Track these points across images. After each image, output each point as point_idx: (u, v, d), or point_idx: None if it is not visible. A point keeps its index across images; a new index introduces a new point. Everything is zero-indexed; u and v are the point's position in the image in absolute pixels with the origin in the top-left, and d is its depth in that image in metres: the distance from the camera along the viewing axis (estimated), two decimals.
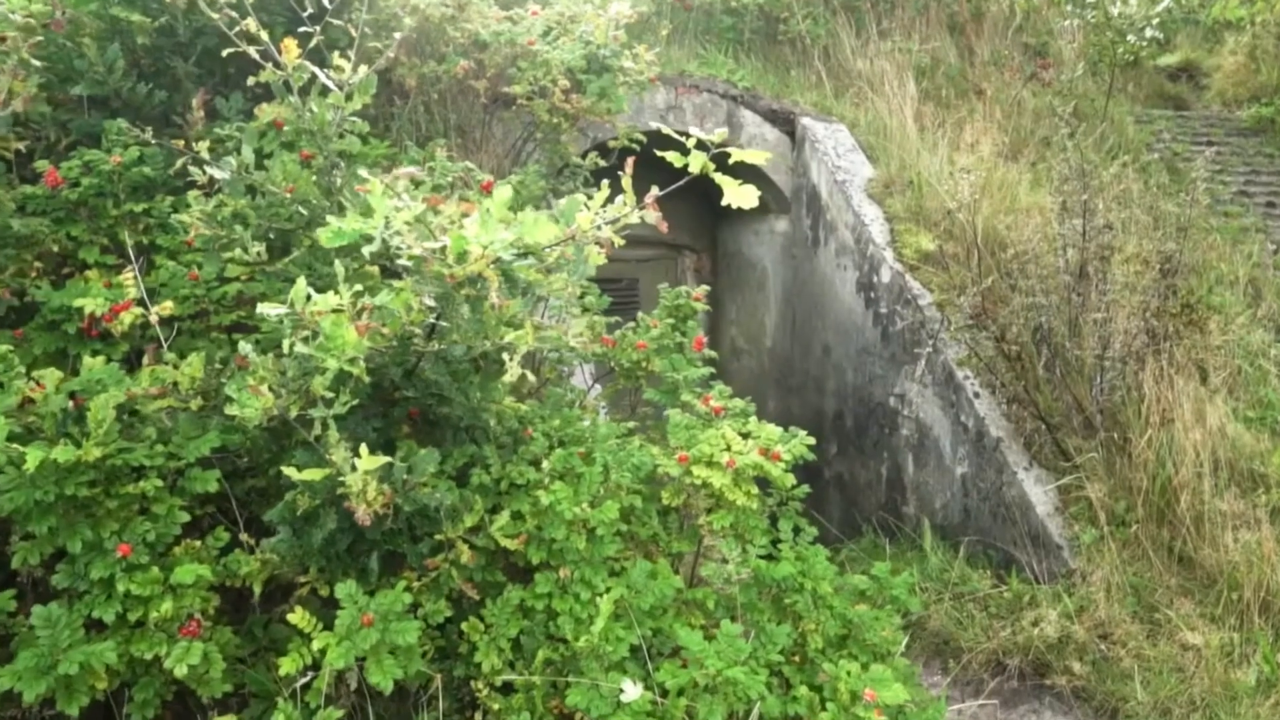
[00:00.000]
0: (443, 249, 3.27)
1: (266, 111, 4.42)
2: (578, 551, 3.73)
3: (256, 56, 4.37)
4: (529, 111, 6.67)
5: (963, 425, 6.79)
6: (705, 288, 5.39)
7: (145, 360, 3.92)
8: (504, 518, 3.68)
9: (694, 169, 3.35)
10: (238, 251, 3.97)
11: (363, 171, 3.95)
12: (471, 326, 3.43)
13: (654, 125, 8.40)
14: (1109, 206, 6.74)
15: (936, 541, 6.82)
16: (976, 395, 6.71)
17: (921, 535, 6.85)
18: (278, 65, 4.37)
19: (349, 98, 4.47)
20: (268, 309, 3.39)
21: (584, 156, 7.85)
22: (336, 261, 3.41)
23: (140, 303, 4.23)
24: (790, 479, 4.21)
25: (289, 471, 3.20)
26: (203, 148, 4.25)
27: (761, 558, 4.14)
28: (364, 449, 3.18)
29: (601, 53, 6.68)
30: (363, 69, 4.43)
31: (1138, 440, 5.93)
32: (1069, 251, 6.53)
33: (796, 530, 4.61)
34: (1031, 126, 8.68)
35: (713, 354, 5.12)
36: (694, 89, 8.47)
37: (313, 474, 3.21)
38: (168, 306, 4.23)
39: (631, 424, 4.43)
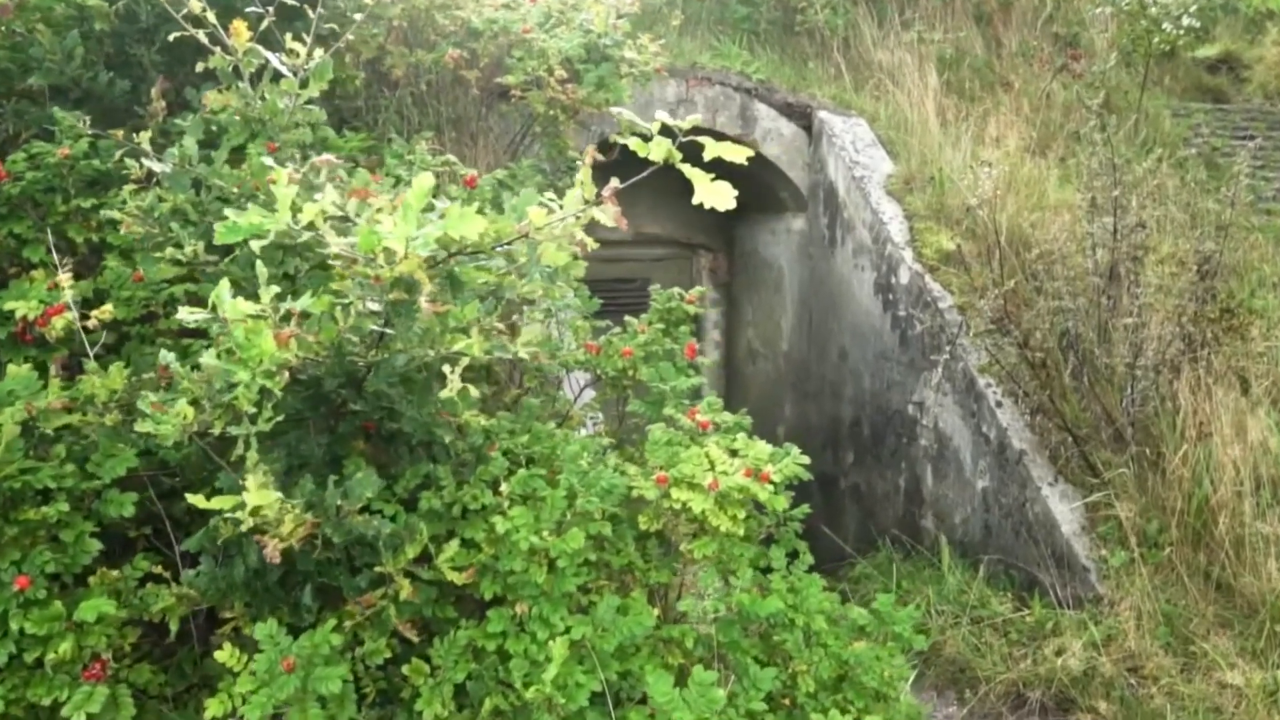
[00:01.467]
0: (384, 248, 2.85)
1: (213, 100, 4.02)
2: (536, 585, 3.29)
3: (204, 40, 3.98)
4: (528, 104, 6.25)
5: (984, 436, 6.29)
6: (701, 289, 4.95)
7: (52, 371, 3.53)
8: (452, 548, 3.25)
9: (654, 157, 2.90)
10: (170, 250, 3.57)
11: (267, 160, 3.54)
12: (409, 334, 3.01)
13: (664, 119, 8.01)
14: (1142, 203, 6.21)
15: (955, 560, 6.33)
16: (999, 404, 6.21)
17: (939, 553, 6.36)
18: (226, 50, 3.98)
19: (304, 84, 4.07)
20: (187, 314, 3.00)
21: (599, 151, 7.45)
22: (259, 262, 2.99)
23: (84, 305, 3.85)
24: (782, 502, 3.76)
25: (194, 500, 2.80)
26: (144, 138, 3.85)
27: (750, 589, 3.68)
28: (255, 477, 2.75)
29: (602, 42, 6.24)
30: (319, 53, 4.03)
31: (1172, 455, 5.41)
32: (1098, 251, 6.02)
33: (795, 555, 4.16)
34: (1061, 120, 8.14)
35: (706, 361, 4.67)
36: (706, 81, 8.01)
37: (222, 502, 2.80)
38: (107, 310, 3.83)
39: (607, 440, 3.99)
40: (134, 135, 3.90)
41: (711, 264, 9.76)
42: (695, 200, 2.98)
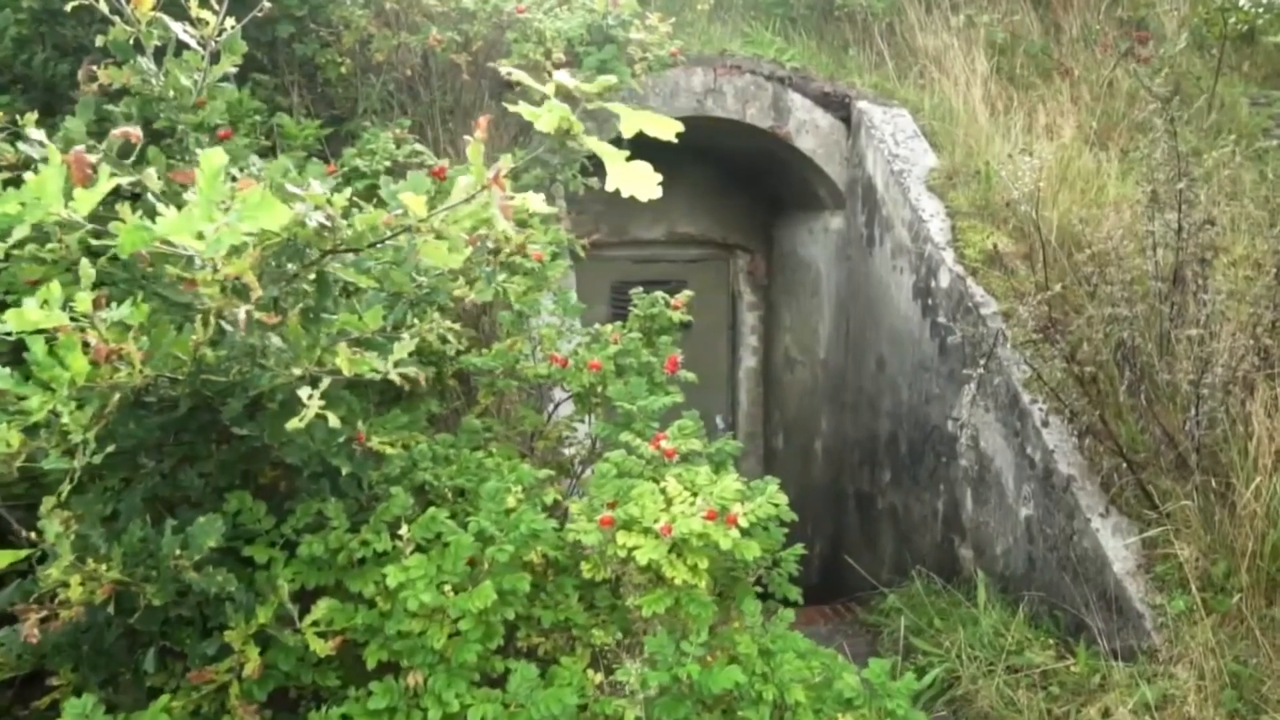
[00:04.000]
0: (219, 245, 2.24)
1: (109, 77, 3.45)
2: (433, 651, 2.65)
3: (105, 10, 3.42)
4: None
5: (1028, 459, 5.49)
6: (688, 293, 4.28)
7: None
8: (322, 607, 2.62)
9: (544, 127, 2.23)
10: (30, 248, 3.00)
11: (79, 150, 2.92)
12: (244, 351, 2.39)
13: (690, 109, 7.31)
14: (1213, 198, 5.37)
15: (993, 596, 5.54)
16: (1045, 424, 5.40)
17: (976, 588, 5.58)
18: (126, 20, 3.41)
19: (215, 59, 3.48)
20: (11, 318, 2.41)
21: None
22: (84, 261, 2.39)
23: None
24: (753, 549, 3.06)
25: None
26: (29, 120, 3.29)
27: (708, 655, 2.99)
28: (51, 524, 2.15)
29: (605, 21, 5.58)
30: (230, 23, 3.43)
31: (1244, 488, 4.57)
32: (1160, 252, 5.19)
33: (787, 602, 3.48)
34: (1125, 110, 7.25)
35: (690, 376, 3.99)
36: (735, 70, 7.29)
37: (5, 556, 2.21)
38: None
39: (544, 472, 3.32)
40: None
41: (749, 265, 9.04)
42: (610, 185, 2.30)
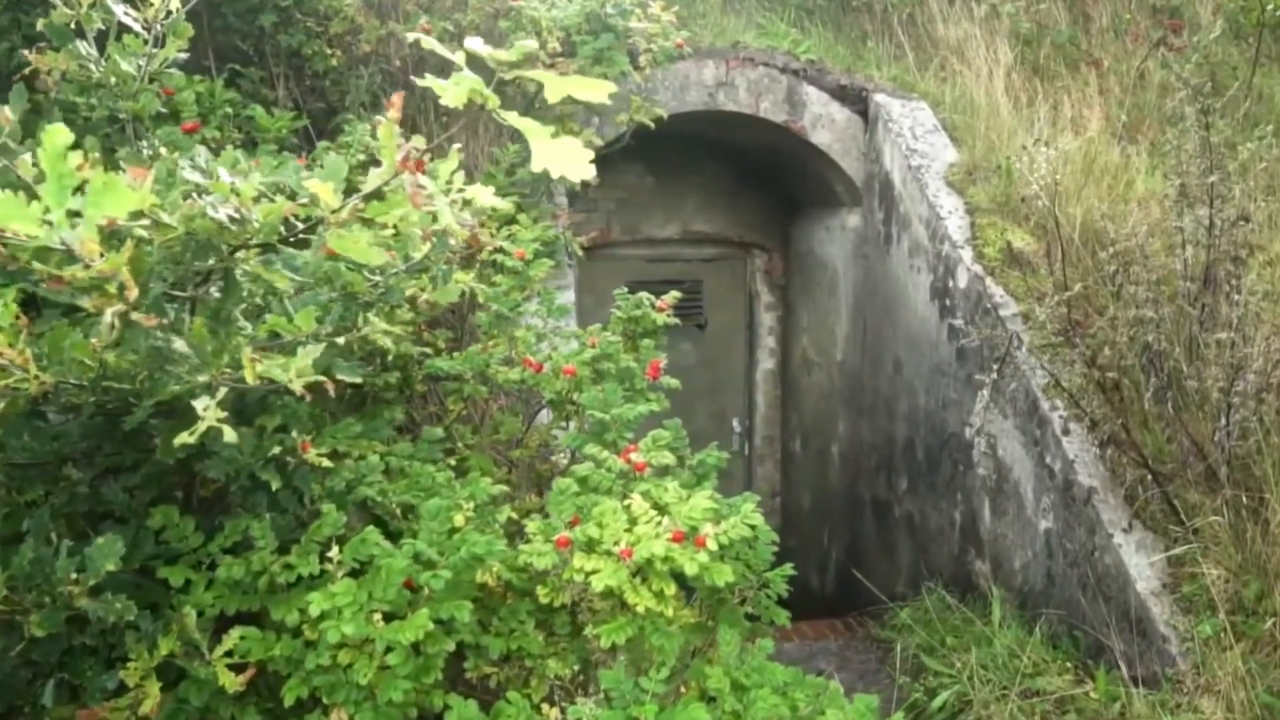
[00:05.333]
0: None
1: (46, 62, 3.21)
2: (359, 688, 2.38)
3: None
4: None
5: (1048, 469, 5.14)
6: (676, 294, 3.97)
7: None
8: (233, 636, 2.36)
9: (452, 101, 1.95)
10: None
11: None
12: (149, 356, 2.13)
13: (701, 104, 7.01)
14: (1248, 193, 4.99)
15: (1010, 613, 5.20)
16: (1065, 432, 5.04)
17: (992, 603, 5.23)
18: (67, 2, 3.17)
19: (159, 44, 3.23)
20: None
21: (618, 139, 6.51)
22: None
23: None
24: (725, 574, 2.76)
25: None
26: None
27: (671, 691, 2.70)
28: None
29: (604, 10, 5.29)
30: (175, 4, 3.18)
31: (1277, 503, 4.20)
32: (1189, 250, 4.82)
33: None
34: (1157, 103, 6.85)
35: (672, 383, 3.68)
36: (748, 62, 6.98)
37: None
38: None
39: (497, 488, 3.03)
40: None
41: (767, 265, 8.71)
42: (536, 166, 2.01)
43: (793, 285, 8.60)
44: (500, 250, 4.09)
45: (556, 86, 2.01)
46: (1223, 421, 4.48)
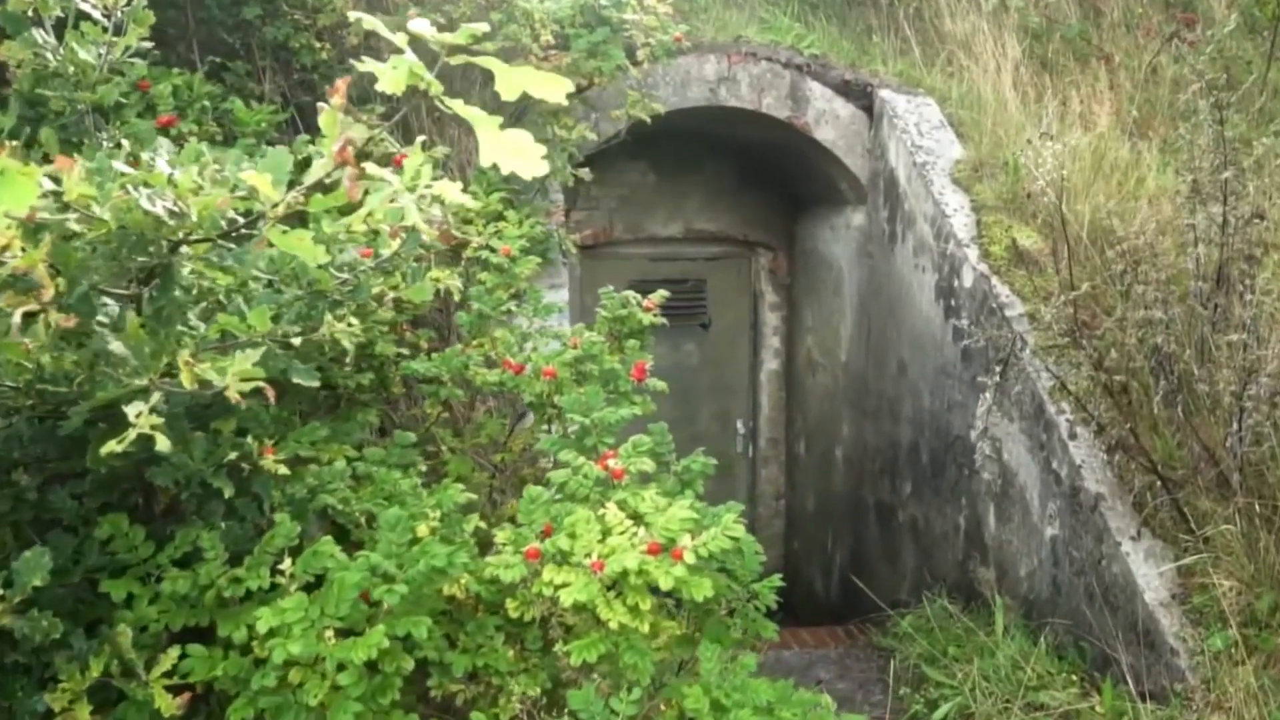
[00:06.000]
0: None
1: (7, 51, 3.07)
2: (308, 710, 2.24)
3: None
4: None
5: (1054, 474, 4.96)
6: (663, 294, 3.82)
7: None
8: (170, 656, 2.22)
9: (389, 86, 1.81)
10: None
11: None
12: (88, 359, 1.99)
13: (702, 99, 6.85)
14: (1263, 190, 4.79)
15: (1015, 622, 5.02)
16: (1072, 436, 4.87)
17: (995, 612, 5.06)
18: None
19: (118, 31, 3.10)
20: None
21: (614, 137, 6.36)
22: None
23: None
24: (705, 587, 2.60)
25: None
26: None
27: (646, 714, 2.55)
28: None
29: (599, 1, 5.14)
30: None
31: None
32: (1201, 248, 4.63)
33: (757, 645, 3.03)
34: (1170, 98, 6.65)
35: (660, 385, 3.53)
36: (750, 57, 6.82)
37: None
38: None
39: (464, 496, 2.88)
40: None
41: (771, 264, 8.55)
42: (484, 160, 1.86)
43: (798, 285, 8.43)
44: (485, 247, 3.94)
45: (509, 79, 1.87)
46: (1235, 426, 4.29)
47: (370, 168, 2.44)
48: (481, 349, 3.68)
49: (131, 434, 1.91)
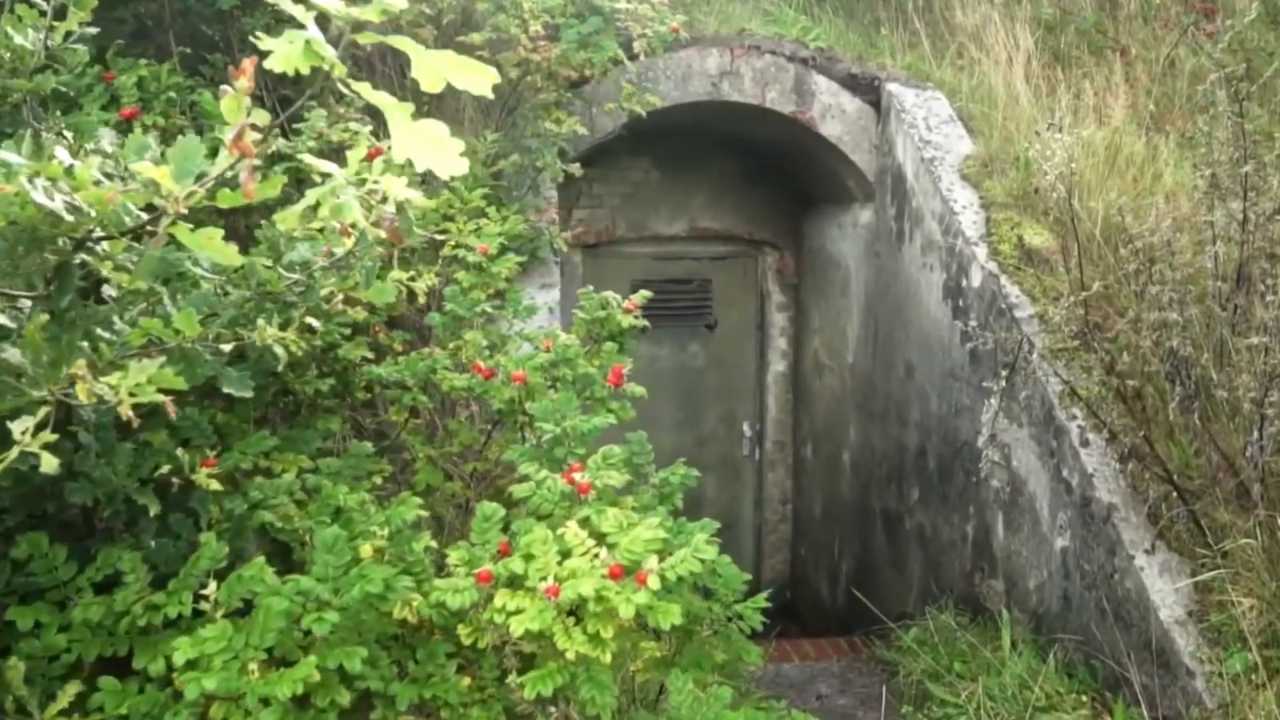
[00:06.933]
0: None
1: None
2: None
3: None
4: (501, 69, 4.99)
5: (1065, 483, 4.71)
6: (645, 294, 3.59)
7: None
8: (68, 693, 2.02)
9: (280, 65, 1.60)
10: None
11: None
12: None
13: (704, 94, 6.61)
14: None
15: (1024, 636, 4.78)
16: (1084, 443, 4.62)
17: (1002, 628, 4.81)
18: None
19: (60, 16, 2.91)
20: None
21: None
22: None
23: None
24: (672, 614, 2.37)
25: None
26: None
27: None
28: None
29: None
30: None
31: None
32: (1220, 246, 4.37)
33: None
34: (1188, 92, 6.37)
35: (638, 391, 3.31)
36: (754, 50, 6.58)
37: None
38: None
39: (413, 513, 2.66)
40: None
41: (778, 263, 8.30)
42: (397, 155, 1.65)
43: (805, 284, 8.19)
44: (461, 245, 3.73)
45: (427, 65, 1.65)
46: (1256, 435, 4.03)
47: (307, 158, 2.23)
48: (457, 353, 3.47)
49: (13, 452, 1.71)
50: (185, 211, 1.73)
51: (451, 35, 4.96)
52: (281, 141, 3.87)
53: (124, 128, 3.65)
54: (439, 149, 1.62)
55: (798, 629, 7.90)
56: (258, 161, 1.74)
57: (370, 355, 3.29)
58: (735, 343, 8.39)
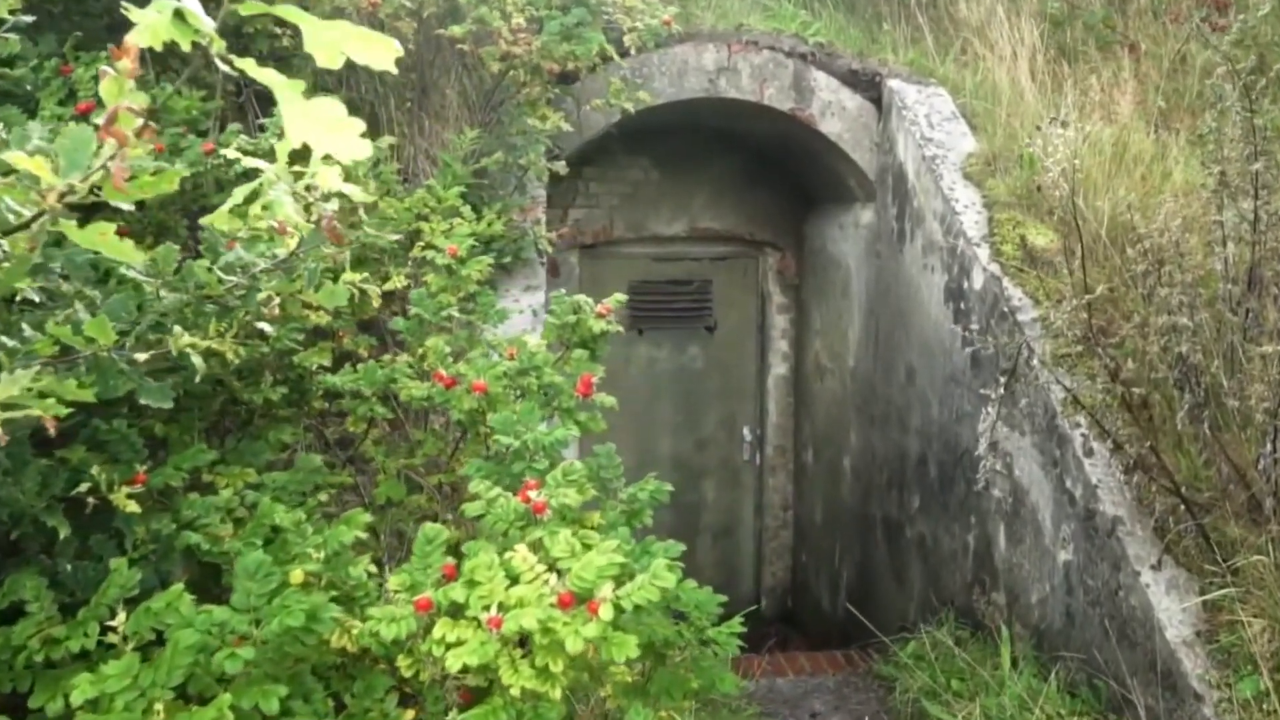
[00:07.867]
0: None
1: None
2: None
3: None
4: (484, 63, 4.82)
5: (1068, 494, 4.49)
6: (621, 296, 3.39)
7: None
8: None
9: (145, 39, 1.41)
10: None
11: None
12: None
13: (701, 90, 6.41)
14: None
15: (1026, 653, 4.56)
16: (1088, 453, 4.39)
17: (1002, 645, 4.59)
18: None
19: None
20: None
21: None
22: None
23: None
24: (628, 646, 2.17)
25: None
26: None
27: None
28: None
29: None
30: None
31: None
32: (1231, 247, 4.14)
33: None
34: (1198, 88, 6.13)
35: (608, 401, 3.10)
36: (752, 46, 6.37)
37: None
38: None
39: (351, 534, 2.46)
40: None
41: (779, 264, 8.09)
42: (294, 139, 1.46)
43: (806, 286, 7.97)
44: (429, 246, 3.54)
45: (320, 37, 1.46)
46: (1269, 446, 3.80)
47: (230, 153, 2.06)
48: (421, 360, 3.28)
49: None
50: (60, 207, 1.53)
51: (433, 28, 4.77)
52: (243, 138, 3.69)
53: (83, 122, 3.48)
54: (336, 130, 1.43)
55: (799, 636, 7.70)
56: (142, 150, 1.55)
57: (327, 363, 3.11)
58: (735, 345, 8.18)
